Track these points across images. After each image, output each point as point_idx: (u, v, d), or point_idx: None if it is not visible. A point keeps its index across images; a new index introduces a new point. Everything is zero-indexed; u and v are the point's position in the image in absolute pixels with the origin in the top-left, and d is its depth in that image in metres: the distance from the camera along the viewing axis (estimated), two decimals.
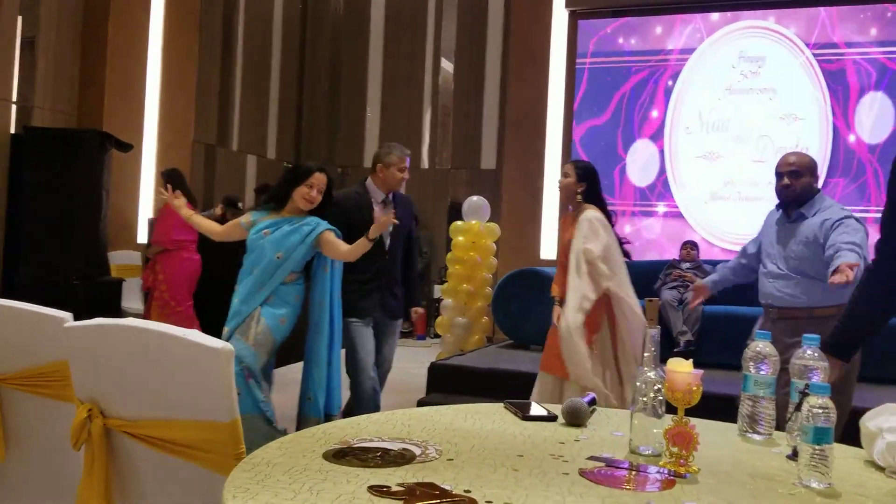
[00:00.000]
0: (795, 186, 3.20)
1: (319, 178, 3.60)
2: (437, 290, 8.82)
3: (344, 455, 1.46)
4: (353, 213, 3.99)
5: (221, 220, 7.19)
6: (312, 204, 3.60)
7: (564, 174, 3.78)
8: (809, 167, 3.24)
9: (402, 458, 1.45)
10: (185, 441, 1.67)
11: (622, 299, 3.59)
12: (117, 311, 6.50)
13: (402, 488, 1.28)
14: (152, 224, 6.40)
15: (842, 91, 7.32)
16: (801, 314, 3.11)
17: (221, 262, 5.67)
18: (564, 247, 3.72)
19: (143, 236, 7.87)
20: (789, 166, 3.22)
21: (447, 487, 1.29)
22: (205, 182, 9.30)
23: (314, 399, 3.62)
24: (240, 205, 8.04)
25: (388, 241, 4.09)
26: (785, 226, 3.27)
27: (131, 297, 7.00)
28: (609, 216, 3.75)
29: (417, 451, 1.51)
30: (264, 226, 3.57)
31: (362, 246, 3.55)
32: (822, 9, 7.44)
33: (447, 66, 10.26)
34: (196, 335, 1.73)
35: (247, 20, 9.85)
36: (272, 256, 3.51)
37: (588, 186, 3.72)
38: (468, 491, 1.28)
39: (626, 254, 3.83)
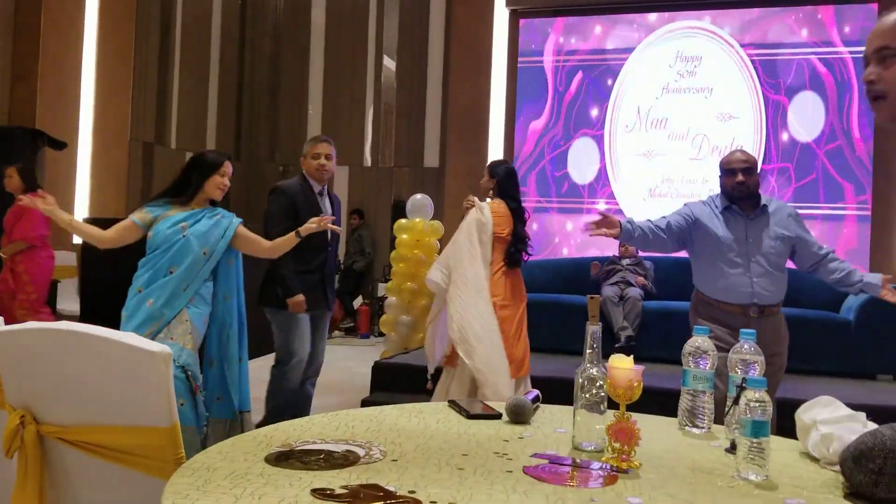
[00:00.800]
0: (749, 183, 3.25)
1: (229, 167, 3.45)
2: (382, 289, 8.78)
3: (286, 458, 1.44)
4: (298, 198, 3.98)
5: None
6: (224, 192, 3.44)
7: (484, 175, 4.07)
8: (756, 165, 3.33)
9: (345, 460, 1.44)
10: (122, 447, 1.63)
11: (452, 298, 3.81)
12: (52, 314, 6.30)
13: (346, 491, 1.26)
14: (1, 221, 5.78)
15: (775, 90, 7.52)
16: (776, 310, 3.27)
17: None
18: None
19: (78, 237, 7.64)
20: (743, 163, 3.26)
21: (391, 489, 1.28)
22: (143, 181, 9.09)
23: (225, 399, 3.37)
24: None
25: (329, 233, 4.04)
26: (746, 222, 3.28)
27: (67, 299, 6.80)
28: (516, 211, 3.98)
29: (361, 452, 1.50)
30: (179, 219, 3.27)
31: (289, 242, 3.46)
32: (755, 10, 7.64)
33: (389, 63, 10.22)
34: (133, 338, 1.68)
35: (185, 16, 9.65)
36: (198, 252, 3.25)
37: (497, 183, 4.01)
38: (413, 492, 1.28)
39: (521, 251, 4.01)
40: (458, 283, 3.83)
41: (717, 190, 3.38)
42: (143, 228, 3.31)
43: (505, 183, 4.04)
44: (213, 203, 3.45)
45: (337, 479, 1.33)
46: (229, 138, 10.43)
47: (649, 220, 3.33)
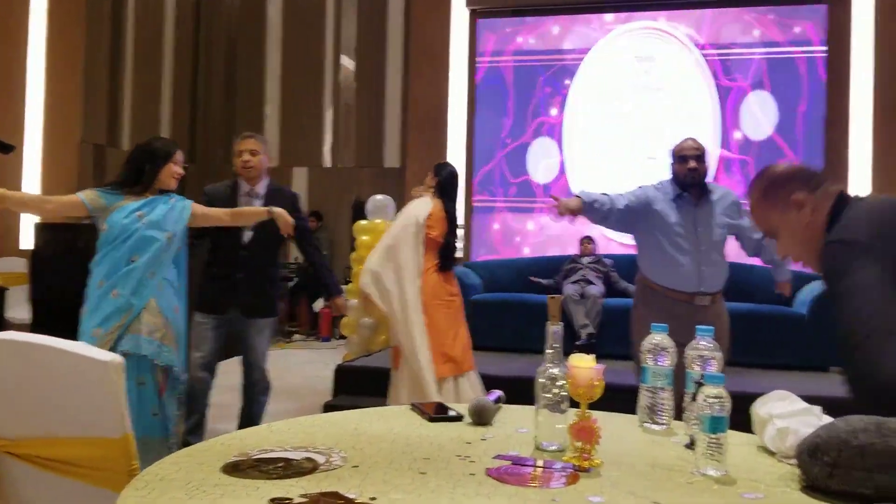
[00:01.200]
0: (701, 170, 3.27)
1: (181, 155, 3.42)
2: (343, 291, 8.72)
3: (243, 467, 1.41)
4: (217, 201, 3.84)
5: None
6: (178, 181, 3.41)
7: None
8: (706, 152, 3.38)
9: (305, 468, 1.41)
10: (73, 459, 1.59)
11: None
12: (1, 323, 6.15)
13: (305, 499, 1.24)
14: None
15: (728, 90, 7.64)
16: (719, 297, 3.31)
17: None
18: None
19: (27, 242, 7.46)
20: (695, 150, 3.29)
21: (352, 496, 1.27)
22: (94, 183, 8.88)
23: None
24: None
25: (247, 235, 3.85)
26: (695, 209, 3.29)
27: (16, 307, 6.63)
28: (450, 214, 4.01)
29: (321, 459, 1.48)
30: (135, 208, 3.19)
31: (256, 213, 3.47)
32: (709, 10, 7.75)
33: (348, 63, 10.17)
34: (82, 347, 1.64)
35: (136, 16, 9.47)
36: (162, 238, 3.19)
37: (439, 183, 4.05)
38: (374, 498, 1.26)
39: (450, 256, 4.02)
40: (397, 272, 3.92)
41: (717, 191, 3.42)
42: (89, 211, 3.19)
43: (445, 185, 4.06)
44: (164, 191, 3.39)
45: (296, 488, 1.31)
46: (184, 140, 10.26)
47: (607, 195, 3.32)
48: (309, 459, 1.47)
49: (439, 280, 3.95)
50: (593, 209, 3.24)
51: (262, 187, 3.96)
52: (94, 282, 3.13)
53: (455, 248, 4.09)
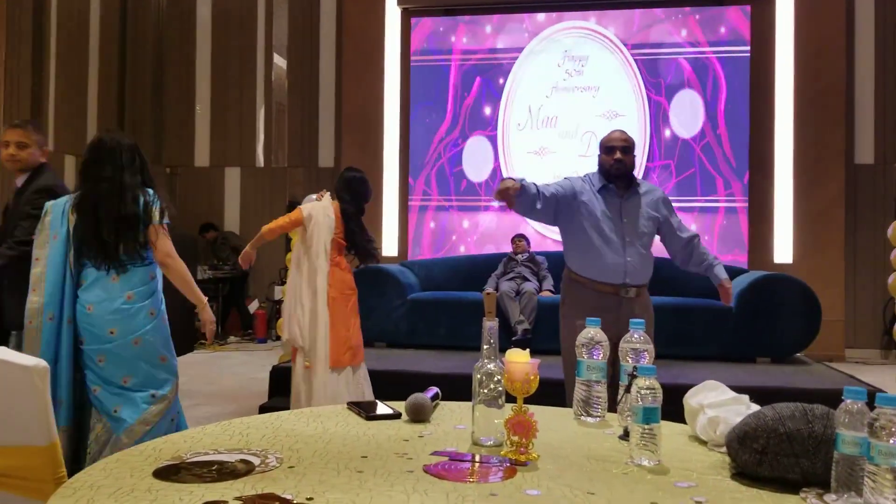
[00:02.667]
0: (627, 161, 3.28)
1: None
2: (278, 291, 8.61)
3: (176, 471, 1.38)
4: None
5: None
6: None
7: None
8: (634, 145, 3.41)
9: (239, 470, 1.39)
10: None
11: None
12: None
13: (240, 502, 1.22)
14: None
15: (657, 89, 7.82)
16: (644, 289, 3.32)
17: None
18: None
19: None
20: (623, 141, 3.30)
21: (288, 497, 1.25)
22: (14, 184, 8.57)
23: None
24: None
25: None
26: (620, 201, 3.29)
27: None
28: (346, 212, 4.22)
29: (256, 461, 1.45)
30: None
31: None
32: (637, 11, 7.91)
33: (280, 62, 10.03)
34: (5, 352, 1.58)
35: (60, 13, 9.15)
36: None
37: (336, 186, 4.36)
38: (310, 498, 1.24)
39: (361, 253, 4.30)
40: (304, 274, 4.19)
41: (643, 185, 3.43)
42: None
43: (339, 186, 4.34)
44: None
45: (230, 491, 1.28)
46: None
47: (535, 184, 3.25)
48: (244, 461, 1.44)
49: (342, 276, 4.19)
50: (526, 193, 3.18)
51: (20, 181, 3.51)
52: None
53: (359, 245, 4.26)
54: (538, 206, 3.22)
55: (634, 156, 3.40)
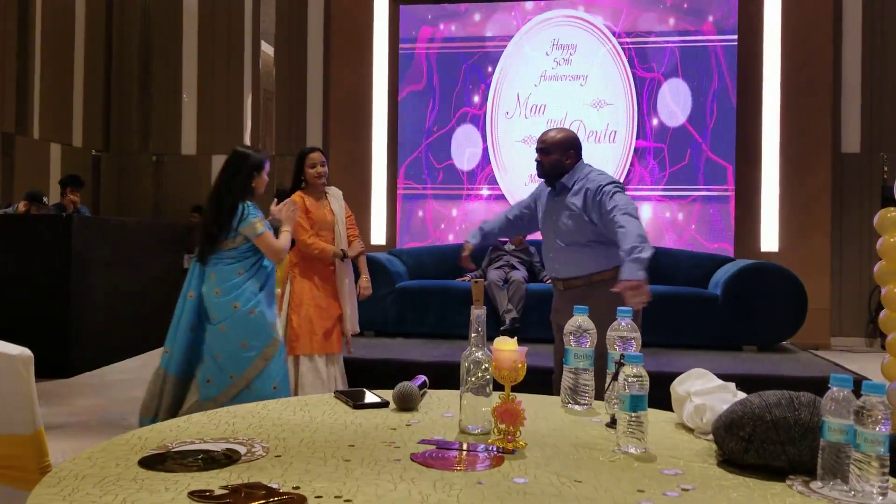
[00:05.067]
0: (544, 162, 3.30)
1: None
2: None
3: (162, 461, 1.37)
4: None
5: (26, 216, 6.63)
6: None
7: (322, 162, 4.21)
8: (559, 145, 3.30)
9: (225, 459, 1.38)
10: None
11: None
12: None
13: (226, 491, 1.21)
14: None
15: (644, 78, 7.81)
16: (581, 283, 3.22)
17: None
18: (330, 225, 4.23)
19: None
20: (540, 143, 3.36)
21: (274, 486, 1.24)
22: (2, 174, 8.50)
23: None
24: (45, 199, 7.44)
25: None
26: (552, 199, 3.33)
27: None
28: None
29: (243, 450, 1.44)
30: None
31: None
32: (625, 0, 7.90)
33: (267, 49, 9.96)
34: None
35: (45, 1, 9.04)
36: None
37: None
38: (297, 487, 1.24)
39: None
40: None
41: (584, 179, 3.37)
42: None
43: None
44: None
45: (216, 480, 1.27)
46: (98, 128, 9.90)
47: (505, 213, 3.56)
48: (230, 450, 1.43)
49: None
50: (485, 235, 3.49)
51: None
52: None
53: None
54: (510, 234, 3.53)
55: (558, 156, 3.28)
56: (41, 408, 4.50)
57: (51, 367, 5.73)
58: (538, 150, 3.34)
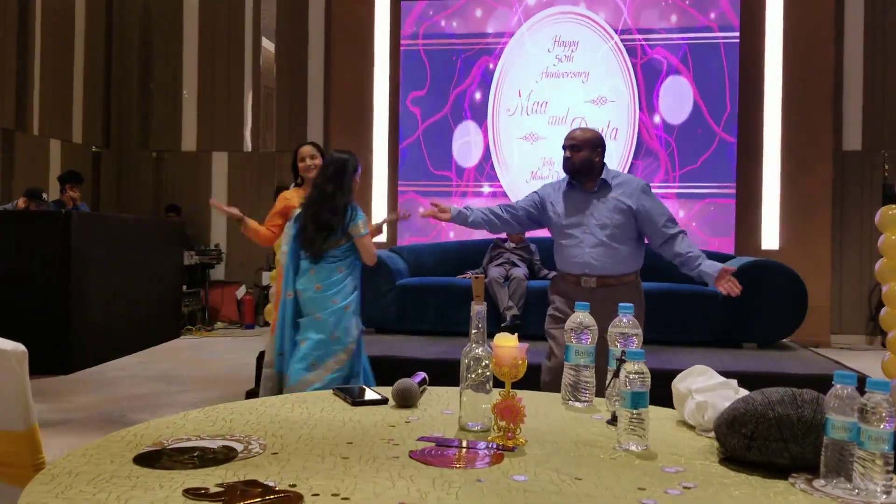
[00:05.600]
0: (574, 159, 3.34)
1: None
2: (266, 277, 8.57)
3: (157, 458, 1.35)
4: None
5: (25, 213, 6.61)
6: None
7: (312, 156, 4.15)
8: (590, 142, 3.35)
9: (222, 457, 1.36)
10: None
11: None
12: None
13: (221, 489, 1.19)
14: None
15: (645, 75, 7.79)
16: (614, 282, 3.27)
17: None
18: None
19: None
20: (570, 140, 3.39)
21: (271, 483, 1.23)
22: (2, 170, 8.48)
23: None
24: (44, 196, 7.42)
25: None
26: (589, 196, 3.35)
27: None
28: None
29: (239, 447, 1.43)
30: None
31: None
32: None
33: (268, 45, 9.94)
34: None
35: None
36: None
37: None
38: (293, 485, 1.22)
39: None
40: None
41: (620, 177, 3.44)
42: None
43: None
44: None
45: (212, 477, 1.26)
46: (98, 125, 9.88)
47: (497, 206, 3.56)
48: (226, 448, 1.42)
49: None
50: (466, 222, 3.48)
51: None
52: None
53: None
54: (493, 226, 3.53)
55: (589, 153, 3.34)
56: (40, 404, 4.52)
57: (50, 363, 5.73)
58: (567, 146, 3.37)
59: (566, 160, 3.37)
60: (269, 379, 3.83)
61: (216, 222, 9.71)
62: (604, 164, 3.38)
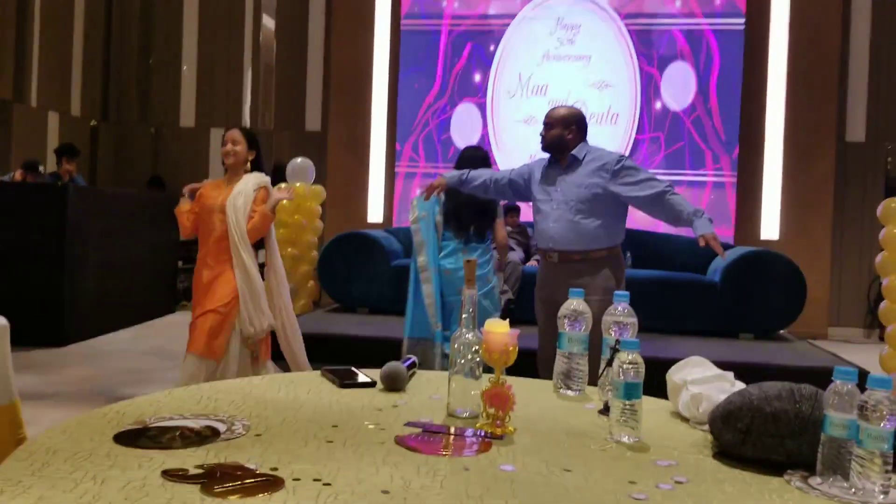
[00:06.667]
0: (547, 137, 3.40)
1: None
2: (261, 255, 8.52)
3: (137, 436, 1.32)
4: None
5: (22, 185, 6.56)
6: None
7: (234, 141, 3.69)
8: (561, 120, 3.39)
9: (203, 437, 1.33)
10: None
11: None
12: None
13: (201, 471, 1.16)
14: None
15: (649, 59, 7.71)
16: (578, 257, 3.25)
17: None
18: (220, 208, 3.61)
19: None
20: (545, 118, 3.47)
21: (252, 466, 1.19)
22: (0, 140, 8.41)
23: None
24: (41, 168, 7.37)
25: None
26: (560, 172, 3.37)
27: None
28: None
29: (222, 427, 1.40)
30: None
31: None
32: None
33: (268, 22, 9.83)
34: None
35: None
36: None
37: (257, 155, 3.79)
38: (275, 469, 1.19)
39: None
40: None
41: (594, 154, 3.42)
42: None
43: (261, 157, 3.85)
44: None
45: (193, 458, 1.23)
46: (96, 98, 9.78)
47: (492, 172, 3.63)
48: (209, 428, 1.38)
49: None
50: (462, 185, 3.56)
51: None
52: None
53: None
54: (488, 191, 3.59)
55: (560, 130, 3.37)
56: (32, 376, 4.51)
57: (44, 335, 5.71)
58: (544, 124, 3.45)
59: (541, 136, 3.45)
60: (436, 354, 4.06)
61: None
62: (581, 141, 3.38)
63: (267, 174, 3.82)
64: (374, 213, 8.20)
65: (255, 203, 3.64)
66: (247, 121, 9.73)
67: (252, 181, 3.68)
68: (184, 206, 3.72)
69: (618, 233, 3.34)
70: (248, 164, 3.75)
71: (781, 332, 5.92)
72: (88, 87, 9.60)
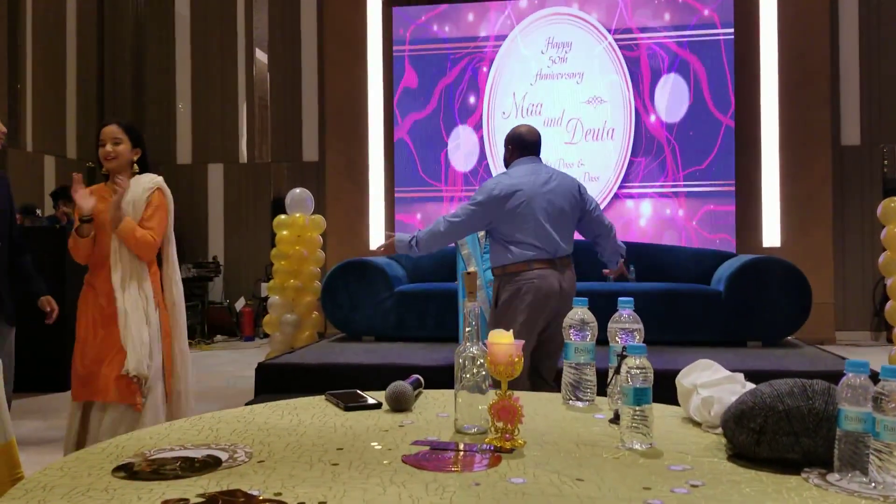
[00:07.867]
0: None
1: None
2: (264, 289, 8.51)
3: (137, 468, 1.29)
4: None
5: (20, 229, 6.55)
6: None
7: (116, 140, 3.10)
8: (506, 140, 3.61)
9: (205, 465, 1.30)
10: None
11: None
12: None
13: (202, 499, 1.13)
14: None
15: (640, 74, 7.74)
16: (497, 272, 3.54)
17: None
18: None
19: None
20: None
21: (255, 493, 1.16)
22: None
23: None
24: (38, 212, 7.37)
25: None
26: None
27: None
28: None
29: (224, 455, 1.36)
30: None
31: None
32: None
33: (261, 56, 9.91)
34: None
35: (35, 11, 8.98)
36: None
37: (143, 153, 3.22)
38: (279, 494, 1.16)
39: None
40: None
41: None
42: None
43: (147, 155, 3.24)
44: None
45: (193, 488, 1.19)
46: (92, 139, 9.79)
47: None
48: (210, 457, 1.35)
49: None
50: (409, 247, 3.59)
51: None
52: None
53: None
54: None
55: (505, 150, 3.63)
56: (37, 422, 4.45)
57: (46, 381, 5.66)
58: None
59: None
60: None
61: (214, 235, 9.66)
62: (517, 159, 3.54)
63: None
64: (376, 238, 8.19)
65: (149, 208, 3.06)
66: (244, 154, 9.76)
67: (142, 183, 3.08)
68: (89, 231, 3.07)
69: (501, 254, 3.49)
70: (136, 166, 3.15)
71: (789, 338, 5.87)
72: (83, 129, 9.64)
